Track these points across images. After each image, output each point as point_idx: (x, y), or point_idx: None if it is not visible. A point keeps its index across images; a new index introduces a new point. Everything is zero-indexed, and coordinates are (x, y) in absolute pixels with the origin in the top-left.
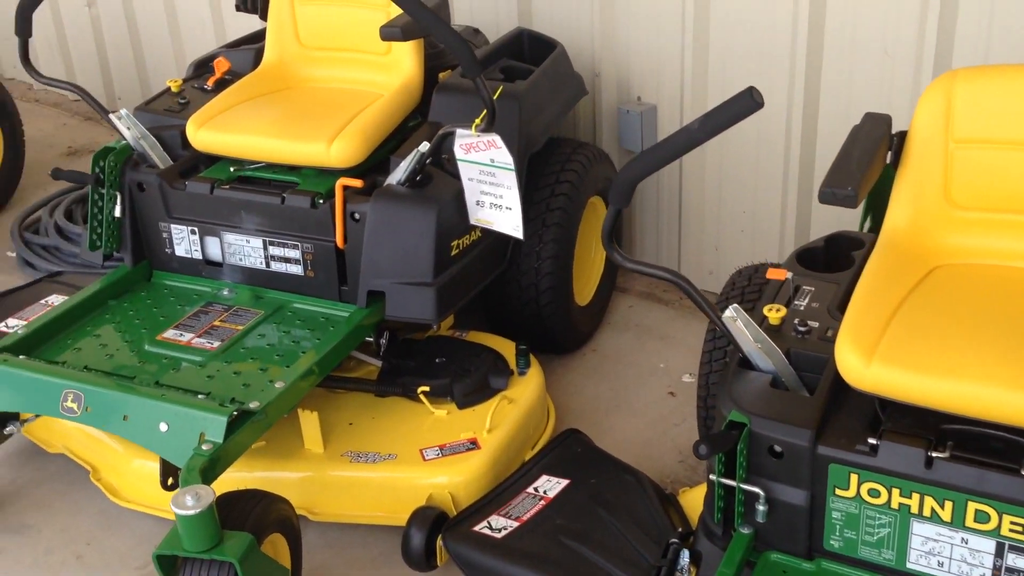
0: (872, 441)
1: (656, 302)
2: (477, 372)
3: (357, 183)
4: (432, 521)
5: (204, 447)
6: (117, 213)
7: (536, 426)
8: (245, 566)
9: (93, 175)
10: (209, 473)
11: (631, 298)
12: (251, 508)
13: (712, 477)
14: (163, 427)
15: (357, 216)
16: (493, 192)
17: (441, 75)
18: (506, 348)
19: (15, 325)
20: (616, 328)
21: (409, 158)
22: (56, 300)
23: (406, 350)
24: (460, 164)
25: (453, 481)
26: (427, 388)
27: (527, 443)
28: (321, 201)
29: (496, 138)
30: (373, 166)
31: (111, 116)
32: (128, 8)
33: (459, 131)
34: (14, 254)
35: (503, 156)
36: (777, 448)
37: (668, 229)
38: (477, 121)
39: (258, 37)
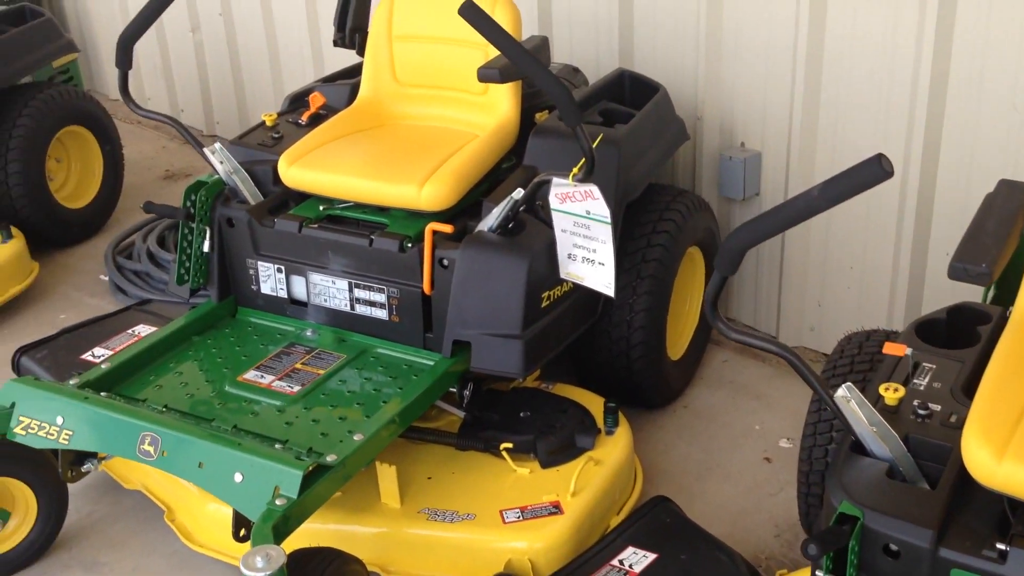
0: (1001, 547)
1: (752, 357)
2: (563, 429)
3: (447, 228)
4: None
5: (278, 502)
6: (206, 248)
7: (623, 490)
8: None
9: (184, 210)
10: (282, 529)
11: (726, 352)
12: (322, 569)
13: (819, 575)
14: (237, 477)
15: (446, 262)
16: (586, 246)
17: (538, 116)
18: (593, 404)
19: (101, 355)
20: (709, 384)
21: (502, 205)
22: (143, 330)
23: (489, 401)
24: (554, 214)
25: (533, 547)
26: (510, 445)
27: (612, 508)
28: (409, 245)
29: (594, 189)
30: (465, 209)
31: (205, 150)
32: (230, 34)
33: (555, 180)
34: (107, 278)
35: (600, 208)
36: (893, 547)
37: (768, 279)
38: (575, 170)
39: (355, 72)
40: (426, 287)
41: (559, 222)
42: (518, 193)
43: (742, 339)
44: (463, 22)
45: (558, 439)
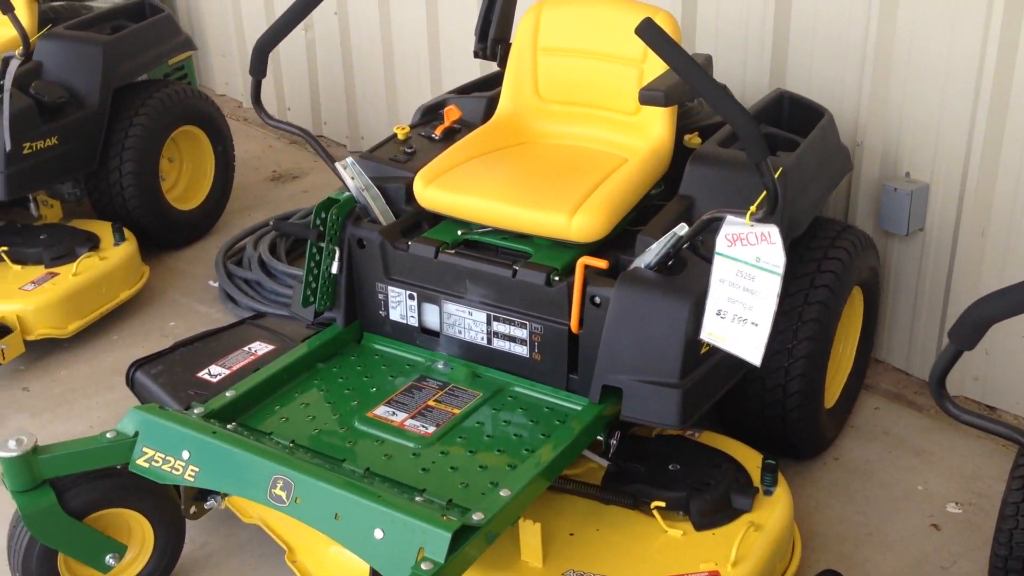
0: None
1: (906, 406)
2: (717, 487)
3: (601, 264)
4: None
5: (424, 566)
6: (334, 270)
7: (782, 558)
8: None
9: (315, 230)
10: None
11: (877, 398)
12: None
13: None
14: (378, 534)
15: (598, 300)
16: (743, 301)
17: (687, 138)
18: (747, 458)
19: (218, 374)
20: (861, 434)
21: (663, 240)
22: (259, 348)
23: (634, 450)
24: (717, 259)
25: None
26: (663, 504)
27: None
28: (556, 278)
29: (773, 231)
30: (612, 240)
31: (336, 165)
32: (344, 35)
33: (730, 218)
34: (216, 284)
35: (774, 256)
36: None
37: (928, 316)
38: (752, 208)
39: (490, 83)
40: (574, 325)
41: (720, 269)
42: (682, 229)
43: (976, 423)
44: (616, 36)
45: (713, 498)
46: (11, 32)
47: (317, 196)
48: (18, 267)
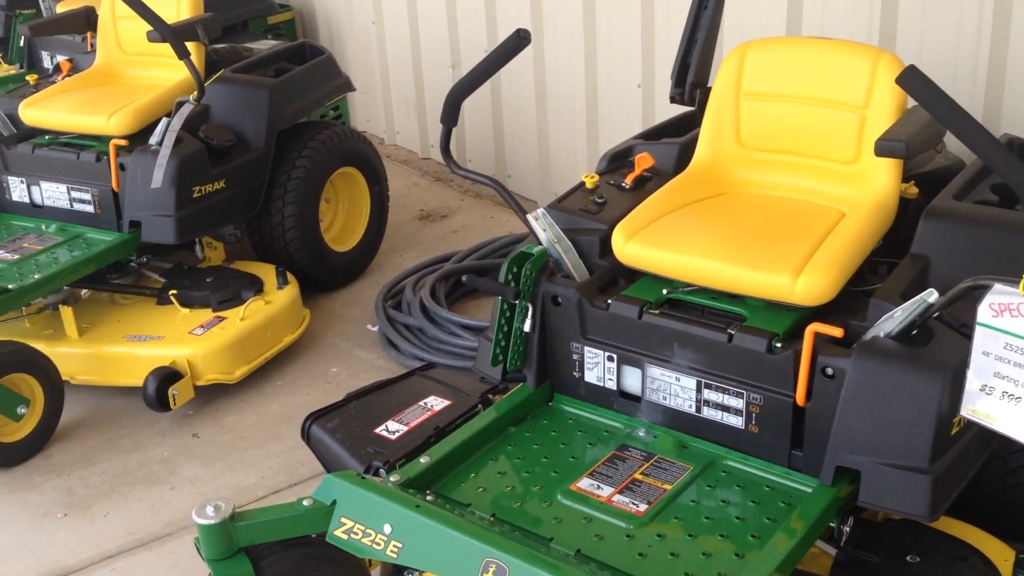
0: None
1: None
2: None
3: (835, 331)
4: None
5: None
6: (526, 327)
7: None
8: None
9: (512, 288)
10: None
11: None
12: None
13: None
14: None
15: (831, 372)
16: (1014, 376)
17: (902, 187)
18: (995, 551)
19: (396, 431)
20: None
21: (907, 307)
22: (435, 403)
23: (865, 537)
24: (979, 331)
25: None
26: None
27: None
28: (779, 345)
29: None
30: (836, 302)
31: (528, 217)
32: (494, 79)
33: (997, 287)
34: (376, 328)
35: None
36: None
37: None
38: None
39: (678, 127)
40: (800, 398)
41: (984, 341)
42: (931, 295)
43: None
44: (832, 80)
45: None
46: (182, 74)
47: (467, 235)
48: (186, 310)
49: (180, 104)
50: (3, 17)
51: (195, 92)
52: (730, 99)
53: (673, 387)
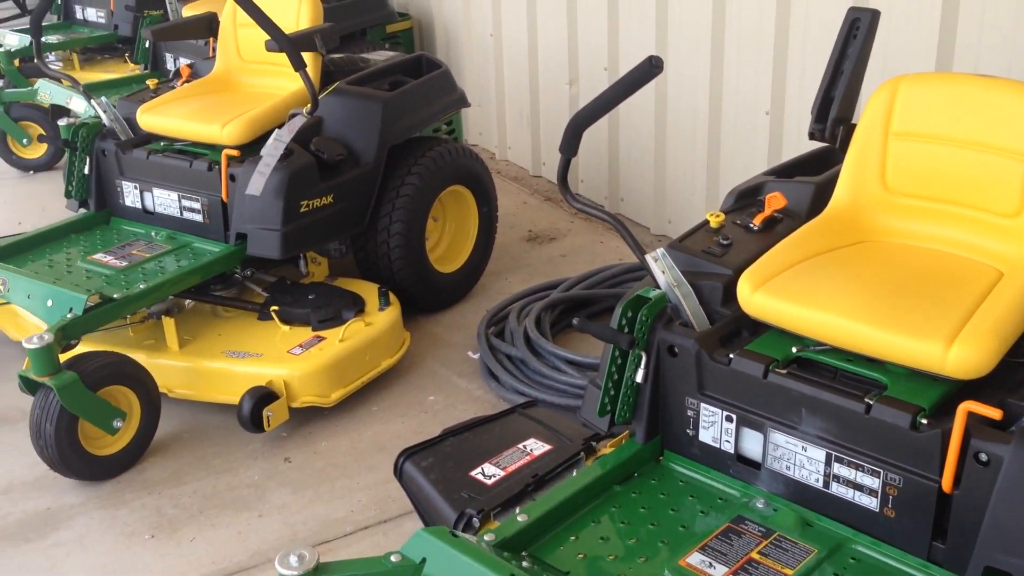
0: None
1: None
2: None
3: (993, 412)
4: None
5: None
6: (639, 378)
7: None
8: None
9: (627, 337)
10: None
11: None
12: None
13: None
14: None
15: (985, 458)
16: None
17: None
18: None
19: (492, 475)
20: None
21: None
22: (535, 447)
23: None
24: None
25: None
26: None
27: None
28: (925, 422)
29: None
30: (991, 376)
31: (647, 257)
32: (602, 85)
33: None
34: (477, 356)
35: None
36: None
37: None
38: None
39: (814, 165)
40: (947, 484)
41: None
42: None
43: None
44: (998, 123)
45: None
46: (298, 84)
47: (576, 260)
48: (286, 328)
49: (293, 116)
50: (131, 17)
51: (309, 104)
52: (877, 138)
53: (799, 457)
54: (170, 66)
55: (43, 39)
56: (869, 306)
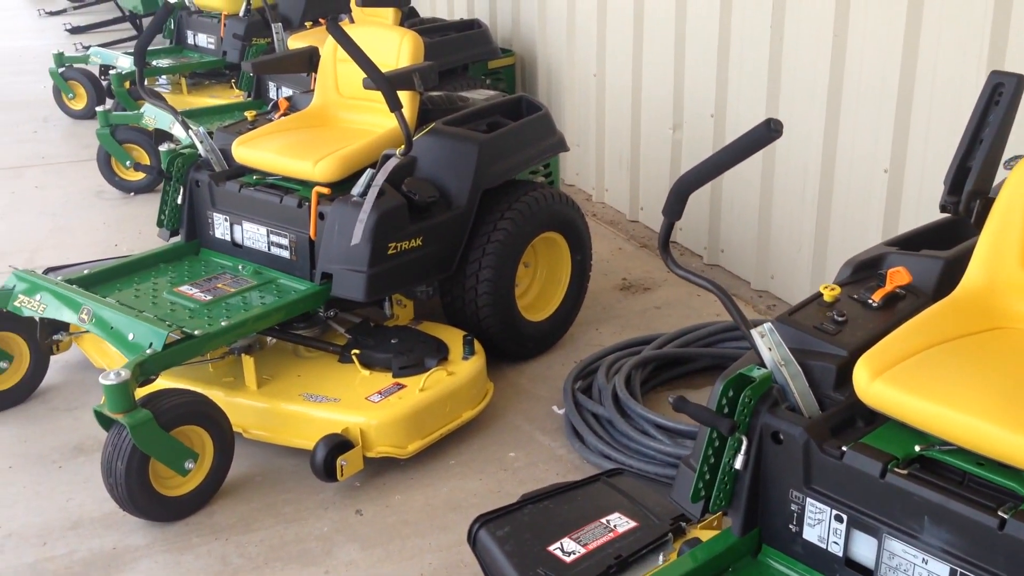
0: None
1: None
2: None
3: None
4: None
5: None
6: (738, 464)
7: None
8: None
9: (727, 422)
10: None
11: None
12: None
13: None
14: None
15: None
16: None
17: None
18: None
19: (572, 552)
20: None
21: None
22: (619, 523)
23: None
24: None
25: None
26: None
27: None
28: None
29: None
30: None
31: (753, 332)
32: (719, 139)
33: None
34: (562, 411)
35: None
36: None
37: None
38: None
39: (942, 237)
40: None
41: None
42: None
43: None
44: None
45: None
46: (394, 122)
47: (670, 314)
48: (366, 372)
49: (386, 157)
50: (239, 45)
51: (403, 145)
52: (1019, 215)
53: (918, 569)
54: (273, 95)
55: (154, 63)
56: (1006, 405)
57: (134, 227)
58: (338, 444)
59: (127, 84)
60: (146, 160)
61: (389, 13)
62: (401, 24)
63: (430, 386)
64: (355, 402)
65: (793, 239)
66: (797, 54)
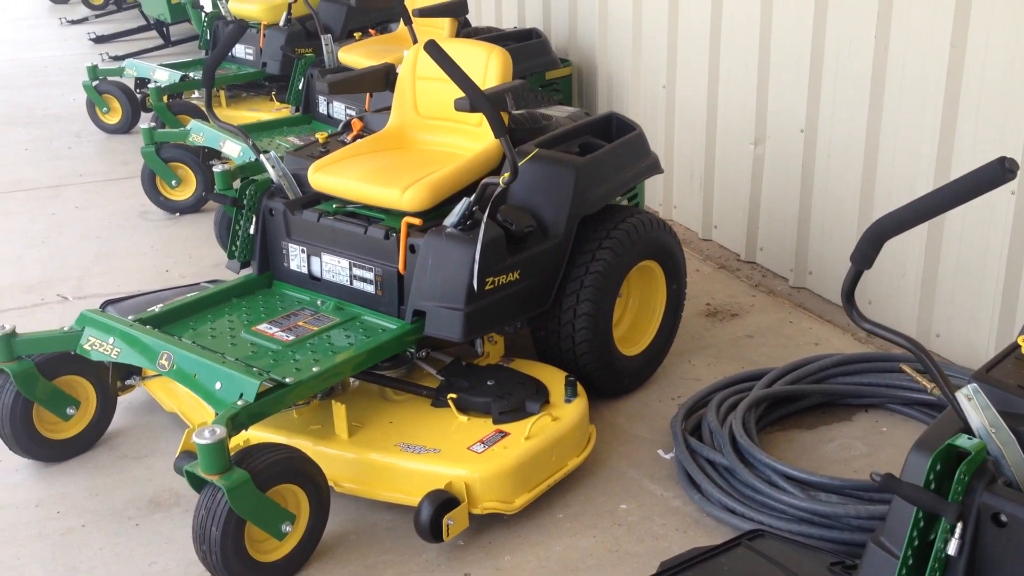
0: None
1: None
2: None
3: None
4: None
5: None
6: (951, 550)
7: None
8: None
9: (954, 507)
10: None
11: None
12: None
13: None
14: None
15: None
16: None
17: None
18: None
19: None
20: None
21: None
22: None
23: None
24: None
25: None
26: None
27: None
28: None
29: None
30: None
31: (959, 395)
32: (808, 157)
33: None
34: (670, 456)
35: None
36: None
37: None
38: None
39: None
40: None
41: None
42: None
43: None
44: None
45: None
46: (480, 144)
47: (764, 343)
48: (464, 418)
49: (486, 187)
50: (280, 55)
51: (506, 174)
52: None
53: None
54: (323, 109)
55: (191, 74)
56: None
57: (183, 250)
58: (445, 502)
59: (166, 98)
60: (192, 180)
61: (445, 23)
62: (456, 35)
63: (535, 433)
64: (457, 453)
65: (897, 262)
66: (905, 59)
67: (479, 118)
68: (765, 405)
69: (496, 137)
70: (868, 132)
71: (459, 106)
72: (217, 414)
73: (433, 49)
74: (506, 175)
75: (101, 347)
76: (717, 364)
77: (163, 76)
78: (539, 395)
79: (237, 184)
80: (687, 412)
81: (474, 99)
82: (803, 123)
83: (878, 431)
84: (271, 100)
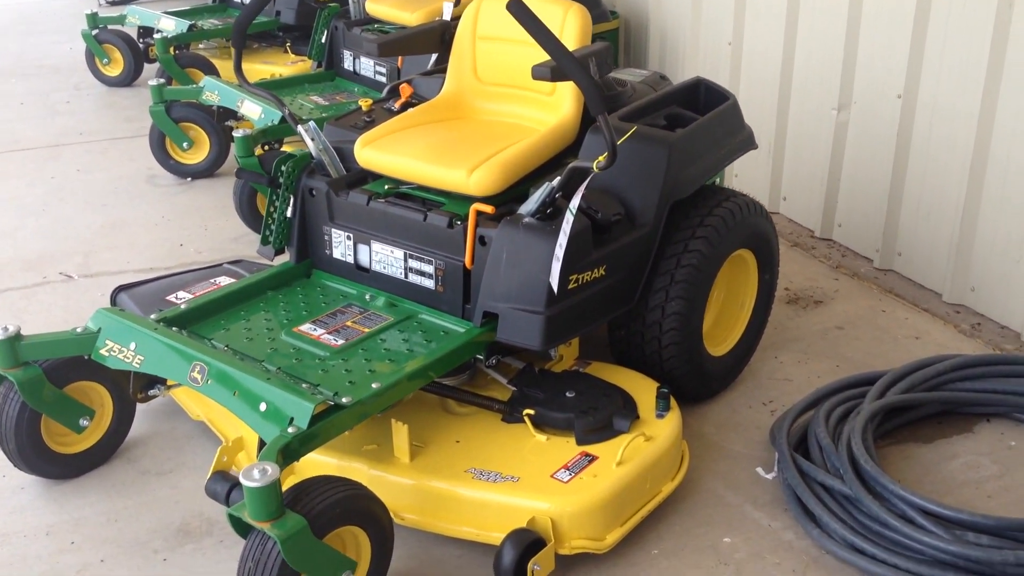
0: None
1: None
2: None
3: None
4: None
5: None
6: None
7: None
8: None
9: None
10: None
11: None
12: None
13: None
14: None
15: None
16: None
17: None
18: None
19: None
20: None
21: None
22: None
23: None
24: None
25: None
26: None
27: None
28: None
29: None
30: None
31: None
32: (906, 123)
33: None
34: (771, 476)
35: None
36: None
37: None
38: None
39: None
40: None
41: None
42: None
43: None
44: None
45: None
46: (553, 116)
47: (857, 335)
48: (542, 437)
49: (574, 171)
50: (296, 3)
51: (601, 157)
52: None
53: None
54: (348, 65)
55: (199, 23)
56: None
57: (198, 220)
58: (530, 544)
59: (172, 50)
60: (205, 142)
61: None
62: None
63: (628, 458)
64: (539, 482)
65: (1011, 246)
66: None
67: (552, 86)
68: (880, 417)
69: (594, 115)
70: (984, 97)
71: (538, 74)
72: (261, 441)
73: (517, 8)
74: (601, 158)
75: (121, 354)
76: (808, 362)
77: (169, 25)
78: (628, 410)
79: (259, 152)
80: (791, 421)
81: (569, 69)
82: (901, 87)
83: (1006, 446)
84: (285, 52)
